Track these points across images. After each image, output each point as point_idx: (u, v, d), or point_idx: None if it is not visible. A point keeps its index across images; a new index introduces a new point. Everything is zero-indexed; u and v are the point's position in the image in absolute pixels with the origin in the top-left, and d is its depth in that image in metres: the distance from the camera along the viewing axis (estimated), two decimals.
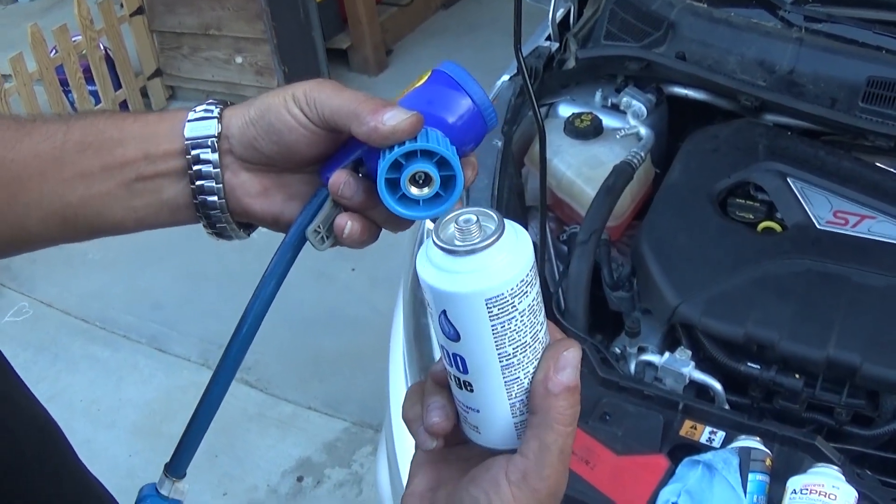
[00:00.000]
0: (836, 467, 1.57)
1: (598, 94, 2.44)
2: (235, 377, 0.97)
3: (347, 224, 0.92)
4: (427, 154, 0.86)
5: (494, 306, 0.75)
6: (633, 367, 1.92)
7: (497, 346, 0.77)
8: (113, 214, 0.97)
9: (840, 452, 1.67)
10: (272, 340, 3.85)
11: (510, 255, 0.75)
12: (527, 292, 0.76)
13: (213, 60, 5.69)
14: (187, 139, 0.94)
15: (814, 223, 1.98)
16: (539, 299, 0.79)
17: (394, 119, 0.85)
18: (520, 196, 2.20)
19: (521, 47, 1.80)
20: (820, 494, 1.50)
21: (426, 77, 0.91)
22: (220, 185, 0.95)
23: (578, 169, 2.23)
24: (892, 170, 2.12)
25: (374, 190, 0.88)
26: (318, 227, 0.93)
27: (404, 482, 1.98)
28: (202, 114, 0.95)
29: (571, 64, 2.44)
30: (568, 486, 1.71)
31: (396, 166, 0.86)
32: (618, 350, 1.96)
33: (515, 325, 0.77)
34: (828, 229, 1.97)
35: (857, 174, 2.08)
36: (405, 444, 2.02)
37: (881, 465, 1.76)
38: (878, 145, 2.13)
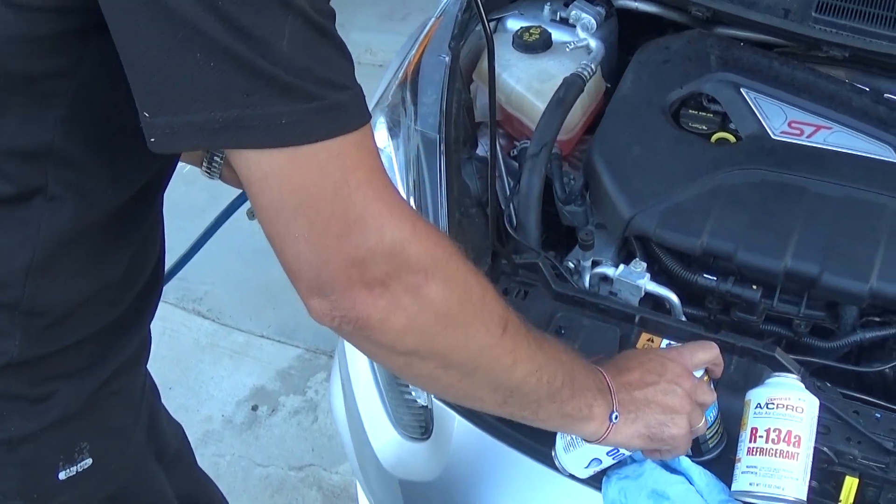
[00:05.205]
0: (794, 376, 1.54)
1: (547, 8, 2.38)
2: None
3: None
4: None
5: None
6: (587, 280, 1.90)
7: None
8: None
9: (800, 365, 1.65)
10: (224, 271, 3.81)
11: None
12: None
13: None
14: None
15: (768, 133, 1.95)
16: None
17: None
18: (469, 112, 2.15)
19: None
20: (787, 408, 1.45)
21: None
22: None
23: (528, 83, 2.18)
24: (846, 80, 2.09)
25: None
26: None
27: (360, 408, 1.95)
28: None
29: None
30: None
31: None
32: (571, 264, 1.92)
33: None
34: (783, 139, 1.94)
35: (811, 84, 2.05)
36: (359, 369, 1.99)
37: (841, 379, 1.75)
38: (832, 55, 2.10)
